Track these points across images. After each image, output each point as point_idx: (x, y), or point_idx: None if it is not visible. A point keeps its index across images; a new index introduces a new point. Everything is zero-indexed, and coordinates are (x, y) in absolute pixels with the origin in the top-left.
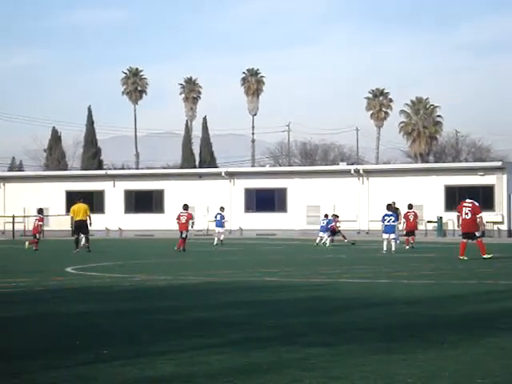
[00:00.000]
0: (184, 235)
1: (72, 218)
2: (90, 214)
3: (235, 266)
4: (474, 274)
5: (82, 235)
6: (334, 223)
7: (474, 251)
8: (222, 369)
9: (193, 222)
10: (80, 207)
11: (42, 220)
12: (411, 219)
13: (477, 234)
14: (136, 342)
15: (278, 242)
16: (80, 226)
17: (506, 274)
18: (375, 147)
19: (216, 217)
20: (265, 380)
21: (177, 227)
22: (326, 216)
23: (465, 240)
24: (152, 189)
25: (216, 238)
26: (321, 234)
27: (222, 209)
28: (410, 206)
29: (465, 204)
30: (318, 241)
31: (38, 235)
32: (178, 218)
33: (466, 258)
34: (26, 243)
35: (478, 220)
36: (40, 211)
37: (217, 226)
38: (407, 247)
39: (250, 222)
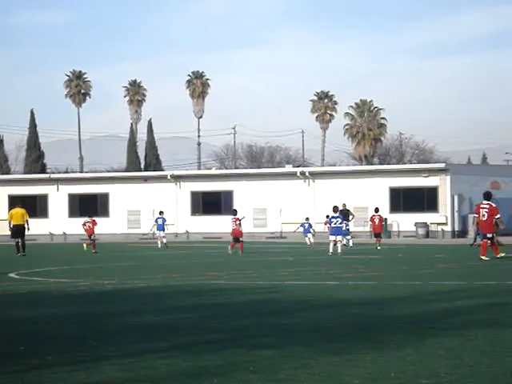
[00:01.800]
0: (240, 240)
1: (10, 222)
2: (29, 218)
3: (181, 270)
4: (419, 276)
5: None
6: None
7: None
8: (168, 373)
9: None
10: (18, 212)
11: None
12: (377, 222)
13: (488, 235)
14: (82, 346)
15: (224, 245)
16: (17, 231)
17: (450, 275)
18: (321, 149)
19: (157, 221)
20: (211, 383)
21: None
22: (308, 219)
23: (486, 240)
24: (97, 192)
25: (159, 242)
26: (309, 235)
27: (161, 213)
28: (377, 210)
29: (482, 206)
30: (309, 242)
31: None
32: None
33: (487, 259)
34: None
35: (497, 221)
36: (89, 215)
37: (159, 229)
38: (379, 247)
39: (197, 225)
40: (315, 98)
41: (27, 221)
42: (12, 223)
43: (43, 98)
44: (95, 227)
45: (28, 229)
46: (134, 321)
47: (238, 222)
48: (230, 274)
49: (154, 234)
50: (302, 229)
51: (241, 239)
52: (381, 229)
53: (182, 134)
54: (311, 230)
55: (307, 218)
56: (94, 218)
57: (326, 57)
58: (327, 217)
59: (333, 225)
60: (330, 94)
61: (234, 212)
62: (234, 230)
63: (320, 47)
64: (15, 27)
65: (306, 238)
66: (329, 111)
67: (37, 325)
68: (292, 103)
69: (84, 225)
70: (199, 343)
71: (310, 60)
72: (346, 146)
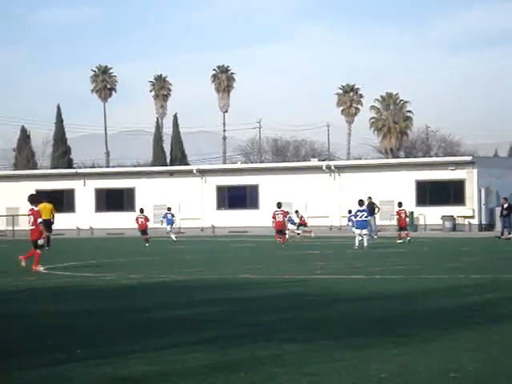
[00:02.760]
0: (284, 232)
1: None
2: (56, 213)
3: (207, 264)
4: (445, 269)
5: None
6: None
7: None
8: (195, 366)
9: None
10: (46, 207)
11: (147, 219)
12: (403, 216)
13: None
14: (109, 341)
15: (250, 239)
16: (46, 225)
17: (477, 268)
18: (346, 143)
19: (166, 216)
20: (239, 377)
21: (272, 225)
22: (297, 212)
23: None
24: (123, 187)
25: (173, 236)
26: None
27: (169, 209)
28: (400, 204)
29: None
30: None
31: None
32: (274, 217)
33: None
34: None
35: None
36: (142, 210)
37: (168, 224)
38: (399, 241)
39: (222, 220)
40: (340, 91)
41: (53, 216)
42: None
43: (69, 94)
44: (148, 223)
45: (52, 223)
46: (160, 315)
47: (281, 216)
48: (257, 268)
49: (180, 228)
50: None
51: (285, 232)
52: (406, 223)
53: (207, 129)
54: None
55: (350, 211)
56: (146, 215)
57: (352, 50)
58: (349, 212)
59: (358, 218)
60: (356, 87)
61: (279, 205)
62: (278, 222)
63: (346, 40)
64: (42, 23)
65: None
66: (354, 104)
67: (64, 319)
68: (317, 97)
69: (137, 220)
70: (226, 337)
71: (336, 53)
72: (372, 140)
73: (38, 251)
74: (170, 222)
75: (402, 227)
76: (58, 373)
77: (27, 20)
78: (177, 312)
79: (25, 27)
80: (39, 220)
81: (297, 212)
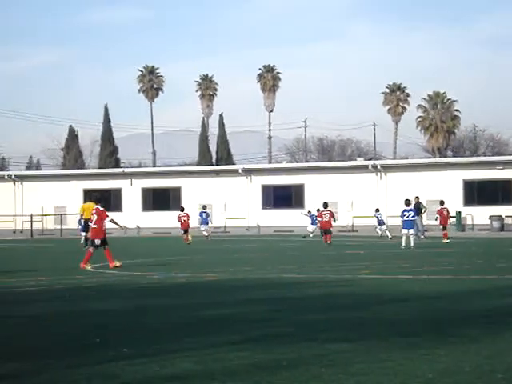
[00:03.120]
0: (330, 231)
1: (81, 215)
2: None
3: (253, 263)
4: (493, 269)
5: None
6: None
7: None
8: (241, 365)
9: (334, 219)
10: (90, 206)
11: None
12: (445, 214)
13: None
14: (155, 339)
15: (295, 238)
16: (87, 224)
17: None
18: (392, 142)
19: (201, 215)
20: (284, 376)
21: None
22: (309, 212)
23: None
24: (169, 186)
25: (206, 234)
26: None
27: (204, 207)
28: (442, 203)
29: None
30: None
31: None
32: (320, 217)
33: None
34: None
35: None
36: (182, 209)
37: (203, 223)
38: (446, 241)
39: (268, 219)
40: (387, 90)
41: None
42: (84, 217)
43: (117, 94)
44: (189, 221)
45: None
46: (206, 313)
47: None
48: (302, 267)
49: (225, 227)
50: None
51: (331, 231)
52: (447, 222)
53: (253, 128)
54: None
55: (377, 209)
56: (187, 212)
57: (398, 49)
58: (377, 210)
59: (405, 218)
60: (403, 86)
61: (326, 205)
62: (324, 222)
63: (392, 39)
64: (90, 24)
65: (380, 230)
66: (401, 104)
67: (111, 317)
68: (363, 96)
69: (179, 219)
70: (271, 336)
71: (382, 52)
72: (419, 139)
73: (91, 250)
74: (205, 222)
75: (444, 226)
76: (106, 371)
77: (77, 20)
78: (222, 311)
79: (74, 27)
80: (107, 219)
81: (309, 212)
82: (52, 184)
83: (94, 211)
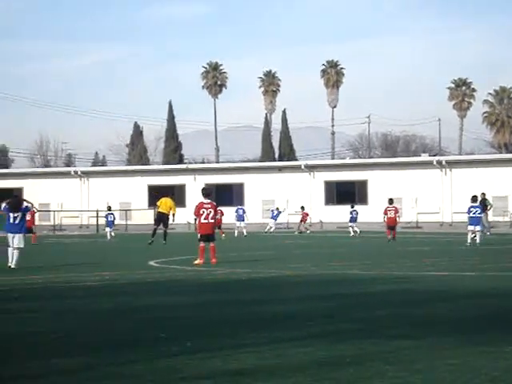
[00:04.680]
0: (395, 228)
1: (157, 207)
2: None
3: (315, 259)
4: None
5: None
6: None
7: None
8: (305, 361)
9: (399, 216)
10: (166, 201)
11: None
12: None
13: None
14: (219, 334)
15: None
16: (160, 219)
17: None
18: (458, 138)
19: (238, 211)
20: (347, 373)
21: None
22: (278, 209)
23: None
24: (232, 182)
25: (243, 231)
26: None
27: (277, 209)
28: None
29: None
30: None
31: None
32: (385, 213)
33: None
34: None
35: None
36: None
37: (239, 220)
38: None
39: (331, 215)
40: (452, 85)
41: (173, 214)
42: (157, 210)
43: (181, 90)
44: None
45: (173, 220)
46: (268, 309)
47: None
48: (365, 263)
49: (288, 223)
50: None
51: (396, 227)
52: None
53: (316, 124)
54: None
55: (277, 208)
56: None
57: (463, 43)
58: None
59: (471, 214)
60: (468, 81)
61: (391, 201)
62: (390, 218)
63: (457, 33)
64: (154, 20)
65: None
66: (466, 99)
67: (175, 312)
68: (428, 91)
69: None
70: (334, 333)
71: (447, 47)
72: (485, 134)
73: (212, 244)
74: (242, 218)
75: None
76: (170, 365)
77: (141, 16)
78: (285, 307)
79: (139, 23)
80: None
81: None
82: (117, 180)
83: (208, 205)
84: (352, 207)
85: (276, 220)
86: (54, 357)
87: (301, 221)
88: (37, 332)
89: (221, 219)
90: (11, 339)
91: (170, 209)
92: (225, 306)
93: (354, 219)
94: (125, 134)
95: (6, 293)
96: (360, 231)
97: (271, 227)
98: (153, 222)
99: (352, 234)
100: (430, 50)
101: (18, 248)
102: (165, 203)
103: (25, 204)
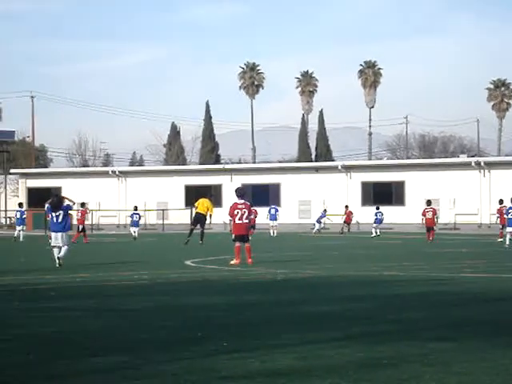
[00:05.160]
0: (433, 229)
1: (195, 208)
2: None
3: (352, 260)
4: None
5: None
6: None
7: None
8: (341, 363)
9: (437, 217)
10: (204, 202)
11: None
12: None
13: None
14: (255, 334)
15: (395, 235)
16: (196, 219)
17: None
18: (497, 139)
19: (270, 211)
20: (384, 375)
21: (424, 222)
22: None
23: None
24: (269, 183)
25: (274, 231)
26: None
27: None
28: (501, 201)
29: None
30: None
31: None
32: (424, 214)
33: None
34: None
35: None
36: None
37: (271, 219)
38: (501, 240)
39: (367, 216)
40: (491, 86)
41: (210, 215)
42: (195, 211)
43: (218, 90)
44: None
45: (210, 221)
46: (305, 309)
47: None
48: (402, 265)
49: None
50: None
51: (434, 228)
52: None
53: (353, 124)
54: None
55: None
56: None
57: (502, 42)
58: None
59: (510, 216)
60: (507, 82)
61: (429, 202)
62: (428, 219)
63: (495, 32)
64: (192, 20)
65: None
66: (505, 99)
67: (212, 312)
68: (467, 92)
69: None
70: (372, 334)
71: (485, 46)
72: None
73: (247, 245)
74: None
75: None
76: (206, 364)
77: (179, 17)
78: (322, 307)
79: (176, 24)
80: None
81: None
82: (154, 180)
83: (242, 206)
84: (377, 209)
85: (321, 221)
86: (93, 356)
87: (345, 222)
88: (75, 331)
89: (254, 219)
90: (50, 338)
91: (208, 209)
92: (261, 306)
93: (379, 221)
94: (162, 134)
95: (45, 291)
96: (379, 234)
97: (318, 229)
98: (189, 222)
99: (374, 234)
100: (469, 50)
101: (62, 246)
102: (202, 204)
103: (66, 202)
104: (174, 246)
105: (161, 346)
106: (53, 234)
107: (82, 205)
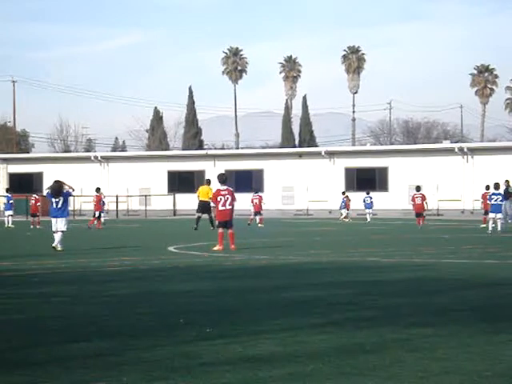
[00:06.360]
0: (423, 215)
1: (198, 197)
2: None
3: (335, 246)
4: None
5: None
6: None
7: None
8: (323, 348)
9: (426, 203)
10: (204, 189)
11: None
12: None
13: None
14: (238, 320)
15: (379, 221)
16: (201, 206)
17: None
18: (480, 125)
19: (344, 201)
20: (367, 360)
21: (412, 207)
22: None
23: None
24: (252, 168)
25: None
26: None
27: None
28: (488, 187)
29: None
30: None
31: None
32: (413, 200)
33: None
34: None
35: None
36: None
37: (343, 207)
38: (482, 226)
39: (351, 202)
40: (475, 71)
41: (210, 198)
42: (199, 199)
43: (201, 75)
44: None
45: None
46: (288, 295)
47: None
48: (386, 250)
49: (307, 210)
50: None
51: (424, 214)
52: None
53: (336, 110)
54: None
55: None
56: (260, 194)
57: (488, 29)
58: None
59: (493, 202)
60: (491, 67)
61: (418, 188)
62: (418, 205)
63: (481, 19)
64: (175, 5)
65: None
66: (489, 85)
67: (194, 298)
68: (450, 77)
69: (252, 201)
70: (354, 319)
71: (471, 33)
72: (507, 121)
73: (231, 231)
74: (343, 206)
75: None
76: (189, 350)
77: (162, 1)
78: (304, 293)
79: (159, 8)
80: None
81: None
82: (137, 165)
83: (225, 192)
84: (368, 193)
85: (343, 207)
86: (74, 341)
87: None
88: (57, 317)
89: (259, 205)
90: (31, 324)
91: (208, 194)
92: (244, 292)
93: (369, 205)
94: (145, 119)
95: (27, 277)
96: (369, 220)
97: (346, 216)
98: (172, 208)
99: (368, 220)
100: (452, 36)
101: (61, 231)
102: (202, 191)
103: (66, 188)
104: (157, 231)
105: (143, 332)
106: (53, 220)
107: (97, 190)
